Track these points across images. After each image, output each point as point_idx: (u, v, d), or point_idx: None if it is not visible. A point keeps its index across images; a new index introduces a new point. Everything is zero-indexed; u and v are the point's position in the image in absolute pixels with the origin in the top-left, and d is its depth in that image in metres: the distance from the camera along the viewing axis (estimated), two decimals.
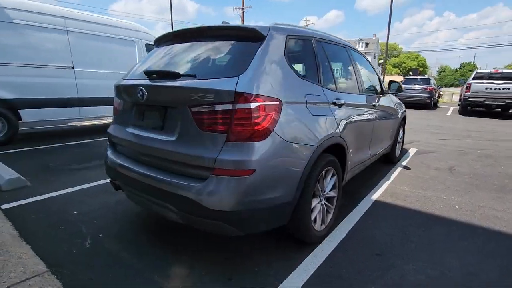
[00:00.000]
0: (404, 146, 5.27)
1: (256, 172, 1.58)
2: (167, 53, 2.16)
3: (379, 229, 2.41)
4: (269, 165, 1.64)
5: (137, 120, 2.04)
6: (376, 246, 2.16)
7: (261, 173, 1.60)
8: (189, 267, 1.89)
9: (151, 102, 1.87)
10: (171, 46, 2.19)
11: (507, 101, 10.27)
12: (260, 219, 1.71)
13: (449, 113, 12.65)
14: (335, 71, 2.46)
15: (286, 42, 1.92)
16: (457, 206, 2.90)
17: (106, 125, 8.21)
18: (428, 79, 14.41)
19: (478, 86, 10.67)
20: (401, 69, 64.48)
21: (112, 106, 2.35)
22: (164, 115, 1.85)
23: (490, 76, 11.57)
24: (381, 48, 61.40)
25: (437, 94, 15.43)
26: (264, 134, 1.60)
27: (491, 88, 10.43)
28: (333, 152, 2.19)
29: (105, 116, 6.88)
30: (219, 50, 1.94)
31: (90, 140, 5.89)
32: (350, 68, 2.86)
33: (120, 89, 2.18)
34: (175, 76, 1.79)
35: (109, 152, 2.30)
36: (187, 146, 1.69)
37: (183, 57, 2.06)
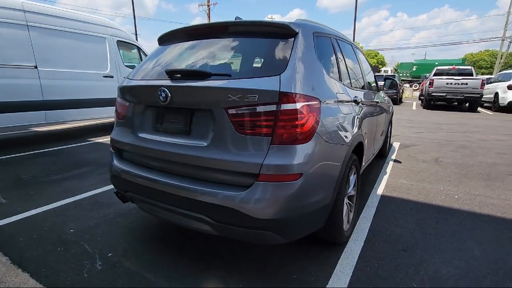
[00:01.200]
0: None
1: (303, 175, 1.50)
2: (184, 51, 1.98)
3: (396, 225, 2.45)
4: (314, 167, 1.56)
5: (155, 125, 1.84)
6: (400, 242, 2.19)
7: (307, 177, 1.52)
8: (223, 282, 1.76)
9: (175, 104, 1.69)
10: (186, 43, 2.01)
11: (465, 95, 11.23)
12: (304, 224, 1.63)
13: (414, 108, 13.51)
14: (348, 69, 2.44)
15: (314, 39, 1.85)
16: (456, 196, 3.06)
17: (77, 130, 7.61)
18: (394, 76, 15.27)
19: (440, 81, 11.52)
20: None
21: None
22: (191, 119, 1.69)
23: (448, 73, 12.57)
24: None
25: (401, 90, 16.40)
26: (309, 135, 1.52)
27: (451, 84, 11.32)
28: (355, 150, 2.18)
29: (76, 120, 6.32)
30: (249, 48, 1.82)
31: (61, 147, 5.36)
32: (357, 65, 2.87)
33: (131, 91, 1.96)
34: (205, 75, 1.64)
35: (115, 161, 2.07)
36: (224, 151, 1.55)
37: (206, 55, 1.90)
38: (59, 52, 5.79)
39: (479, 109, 12.29)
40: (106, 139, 6.05)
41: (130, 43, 7.60)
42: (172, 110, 1.77)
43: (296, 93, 1.48)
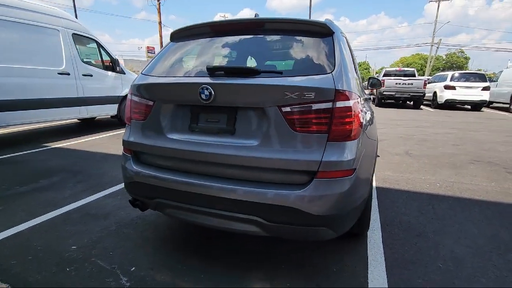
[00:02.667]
0: None
1: (356, 170, 1.54)
2: (215, 47, 1.88)
3: (401, 213, 2.65)
4: (363, 162, 1.62)
5: (191, 124, 1.72)
6: (411, 228, 2.37)
7: (358, 172, 1.56)
8: (269, 282, 1.72)
9: (217, 102, 1.59)
10: (216, 39, 1.91)
11: (411, 93, 12.58)
12: (351, 218, 1.67)
13: None
14: (357, 68, 2.57)
15: (344, 38, 1.91)
16: (438, 184, 3.42)
17: (26, 134, 6.64)
18: None
19: (390, 81, 12.72)
20: None
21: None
22: (235, 118, 1.61)
23: (395, 74, 13.92)
24: None
25: None
26: (359, 131, 1.57)
27: (400, 84, 12.58)
28: None
29: (25, 123, 5.50)
30: (289, 45, 1.79)
31: (13, 155, 4.67)
32: (355, 63, 3.02)
33: (158, 88, 1.80)
34: (254, 72, 1.58)
35: (134, 166, 1.87)
36: (278, 150, 1.52)
37: (241, 52, 1.83)
38: (2, 45, 5.01)
39: (421, 106, 13.85)
40: (65, 144, 5.43)
41: (88, 37, 6.90)
42: (212, 109, 1.67)
43: (348, 91, 1.51)
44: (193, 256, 1.99)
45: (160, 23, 28.50)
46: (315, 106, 1.48)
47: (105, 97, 7.07)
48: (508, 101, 12.13)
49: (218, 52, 1.93)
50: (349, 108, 1.50)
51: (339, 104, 1.48)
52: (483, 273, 1.82)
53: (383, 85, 12.73)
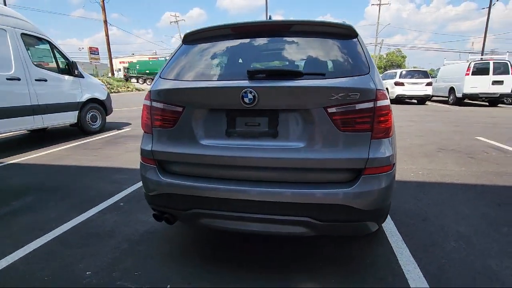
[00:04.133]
0: None
1: (394, 165, 1.64)
2: (242, 49, 1.83)
3: (401, 201, 2.86)
4: (396, 157, 1.72)
5: (228, 130, 1.66)
6: (416, 215, 2.58)
7: (395, 166, 1.67)
8: (320, 283, 1.74)
9: (259, 106, 1.56)
10: (239, 41, 1.85)
11: None
12: (389, 209, 1.77)
13: None
14: None
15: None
16: (420, 172, 3.76)
17: None
18: None
19: None
20: None
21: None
22: (277, 120, 1.60)
23: None
24: None
25: None
26: (393, 128, 1.67)
27: None
28: None
29: None
30: (319, 47, 1.81)
31: None
32: None
33: (189, 93, 1.70)
34: (297, 75, 1.58)
35: (161, 177, 1.75)
36: (325, 150, 1.55)
37: (272, 54, 1.81)
38: None
39: None
40: (23, 159, 4.81)
41: (39, 37, 6.18)
42: (251, 112, 1.63)
43: (384, 90, 1.60)
44: (230, 264, 1.93)
45: (105, 21, 26.63)
46: (359, 106, 1.54)
47: (63, 104, 6.39)
48: (447, 95, 13.75)
49: (245, 54, 1.89)
50: (387, 107, 1.59)
51: (380, 103, 1.56)
52: (489, 247, 2.06)
53: None
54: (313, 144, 1.56)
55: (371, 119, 1.55)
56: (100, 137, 6.51)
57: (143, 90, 25.62)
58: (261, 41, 1.88)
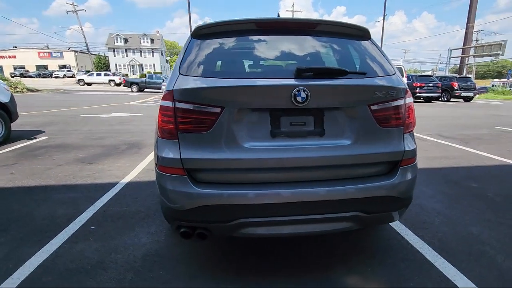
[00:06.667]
0: None
1: (416, 156, 1.83)
2: (271, 45, 1.74)
3: None
4: None
5: (272, 130, 1.55)
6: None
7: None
8: (364, 281, 1.80)
9: (308, 104, 1.51)
10: (267, 36, 1.77)
11: None
12: None
13: None
14: None
15: None
16: None
17: None
18: None
19: None
20: None
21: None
22: (322, 119, 1.58)
23: None
24: (166, 45, 63.68)
25: None
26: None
27: None
28: None
29: None
30: (346, 47, 1.83)
31: None
32: None
33: (233, 92, 1.51)
34: (343, 73, 1.58)
35: (196, 188, 1.51)
36: (369, 145, 1.61)
37: (299, 52, 1.76)
38: None
39: None
40: None
41: None
42: (297, 112, 1.56)
43: (408, 89, 1.77)
44: (256, 272, 1.81)
45: None
46: (395, 103, 1.66)
47: None
48: None
49: (276, 51, 1.79)
50: (412, 103, 1.76)
51: (408, 100, 1.72)
52: (464, 219, 2.52)
53: None
54: (358, 140, 1.61)
55: (402, 115, 1.69)
56: (7, 149, 5.14)
57: (38, 91, 21.40)
58: (288, 38, 1.82)
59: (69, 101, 14.95)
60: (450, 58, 29.13)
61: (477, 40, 35.43)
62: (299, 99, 1.48)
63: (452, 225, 2.39)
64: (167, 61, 64.46)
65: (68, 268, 1.88)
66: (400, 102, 1.67)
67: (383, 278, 1.78)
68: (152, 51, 54.66)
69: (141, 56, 54.72)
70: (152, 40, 54.62)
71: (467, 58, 25.49)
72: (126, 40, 53.68)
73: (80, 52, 54.53)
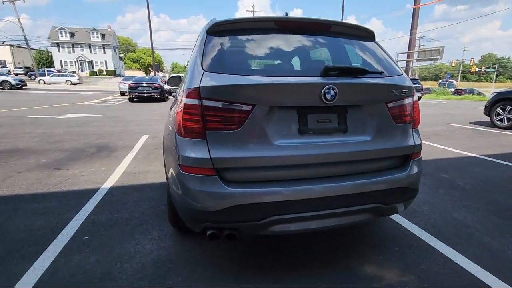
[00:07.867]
0: None
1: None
2: (289, 43, 1.78)
3: None
4: None
5: (300, 127, 1.56)
6: None
7: None
8: (377, 280, 1.89)
9: (335, 102, 1.55)
10: (287, 36, 1.78)
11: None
12: None
13: None
14: None
15: None
16: None
17: None
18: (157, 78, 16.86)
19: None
20: (140, 64, 66.95)
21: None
22: (345, 116, 1.64)
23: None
24: (119, 41, 59.84)
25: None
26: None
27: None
28: None
29: None
30: (359, 47, 1.90)
31: None
32: None
33: (264, 89, 1.48)
34: (363, 72, 1.65)
35: (228, 187, 1.46)
36: (386, 141, 1.71)
37: (315, 51, 1.79)
38: None
39: None
40: None
41: None
42: (322, 109, 1.59)
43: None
44: (289, 275, 1.82)
45: None
46: (406, 101, 1.78)
47: None
48: None
49: (296, 50, 1.81)
50: (417, 101, 1.90)
51: (415, 98, 1.86)
52: (446, 206, 2.78)
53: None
54: (377, 136, 1.70)
55: (411, 112, 1.82)
56: None
57: None
58: (305, 38, 1.85)
59: (10, 100, 13.33)
60: (398, 61, 31.94)
61: (419, 46, 39.28)
62: (328, 97, 1.52)
63: (439, 212, 2.63)
64: (120, 58, 60.62)
65: (71, 281, 1.69)
66: (410, 100, 1.80)
67: (397, 264, 1.90)
68: (104, 47, 50.96)
69: (90, 52, 50.69)
70: (103, 35, 50.88)
71: (412, 62, 28.12)
72: (72, 35, 49.27)
73: (17, 46, 48.67)
